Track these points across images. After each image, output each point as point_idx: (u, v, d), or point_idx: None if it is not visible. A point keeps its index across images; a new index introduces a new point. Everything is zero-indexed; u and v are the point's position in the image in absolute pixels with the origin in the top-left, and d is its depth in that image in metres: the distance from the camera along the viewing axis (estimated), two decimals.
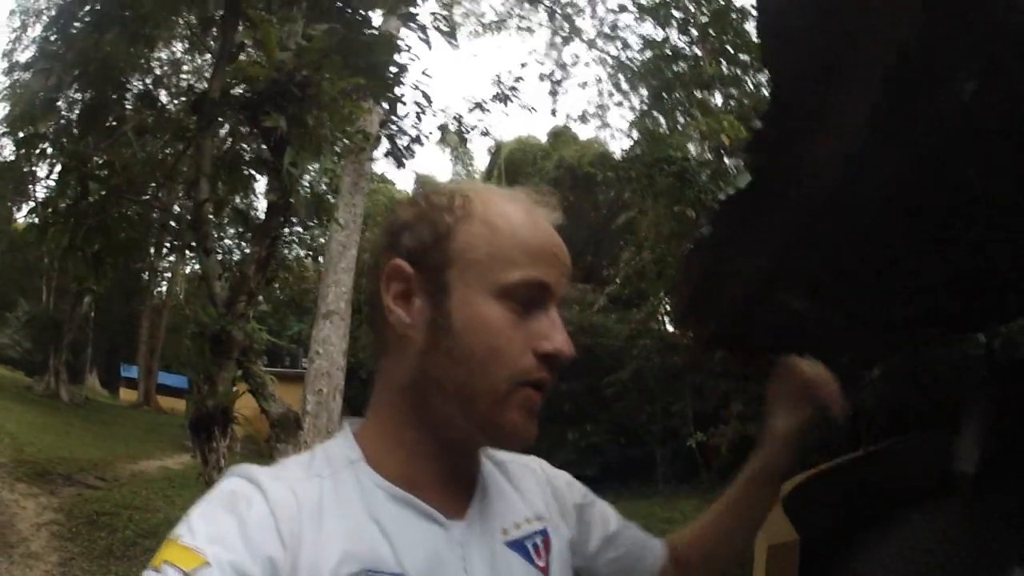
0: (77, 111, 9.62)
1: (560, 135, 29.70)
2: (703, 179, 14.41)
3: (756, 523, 1.78)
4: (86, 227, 8.64)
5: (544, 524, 1.41)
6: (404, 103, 10.15)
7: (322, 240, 20.56)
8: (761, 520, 1.78)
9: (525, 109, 33.85)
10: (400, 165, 17.71)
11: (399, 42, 9.20)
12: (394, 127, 13.68)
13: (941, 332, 10.09)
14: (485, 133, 19.08)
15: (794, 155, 4.36)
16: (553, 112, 51.16)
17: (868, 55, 3.38)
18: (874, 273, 6.45)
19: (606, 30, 20.49)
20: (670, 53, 18.08)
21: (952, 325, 9.48)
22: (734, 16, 16.48)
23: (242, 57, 8.51)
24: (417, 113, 15.01)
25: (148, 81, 11.10)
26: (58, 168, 9.51)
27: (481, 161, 40.87)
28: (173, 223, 10.10)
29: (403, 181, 51.94)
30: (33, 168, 13.08)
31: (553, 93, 22.89)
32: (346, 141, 9.98)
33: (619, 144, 21.11)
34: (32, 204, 13.90)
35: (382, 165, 25.52)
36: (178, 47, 16.94)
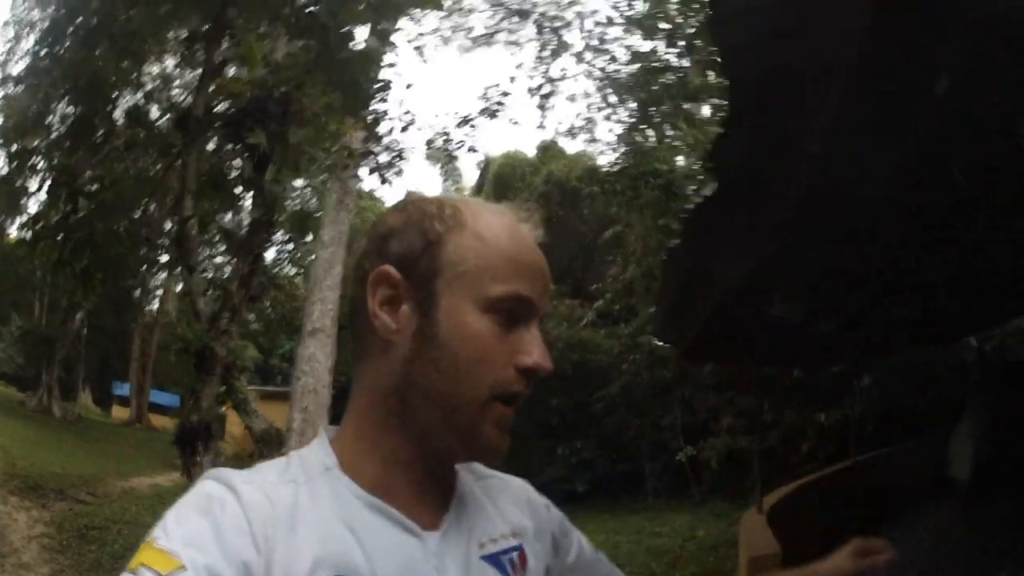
0: (66, 126, 9.67)
1: (549, 149, 29.63)
2: (689, 192, 14.42)
3: None
4: (74, 242, 8.69)
5: (520, 541, 1.39)
6: (388, 118, 10.19)
7: (313, 257, 20.60)
8: None
9: (511, 123, 33.91)
10: (384, 181, 17.73)
11: (383, 57, 9.27)
12: (377, 144, 13.67)
13: (934, 336, 10.12)
14: (472, 149, 19.08)
15: (758, 161, 4.39)
16: (541, 126, 50.95)
17: (825, 58, 3.40)
18: (865, 277, 6.50)
19: (594, 43, 20.51)
20: (657, 65, 18.09)
21: (945, 329, 9.52)
22: None
23: (231, 73, 8.58)
24: (402, 128, 15.03)
25: (139, 96, 11.15)
26: (48, 183, 9.55)
27: (470, 176, 40.84)
28: (160, 240, 10.14)
29: (392, 198, 51.55)
30: (26, 183, 13.10)
31: (541, 107, 22.72)
32: (329, 158, 10.02)
33: (607, 158, 21.04)
34: (24, 219, 13.96)
35: (372, 183, 25.58)
36: (169, 62, 16.98)
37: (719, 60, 5.05)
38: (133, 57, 9.61)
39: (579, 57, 21.11)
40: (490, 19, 22.20)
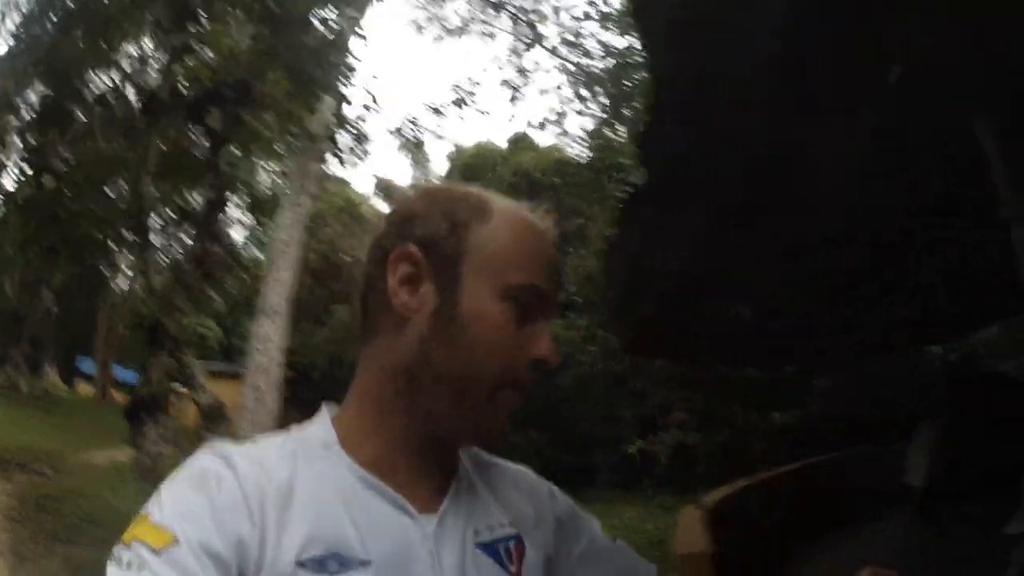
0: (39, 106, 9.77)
1: (519, 142, 29.63)
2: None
3: None
4: (38, 219, 8.81)
5: (518, 530, 1.39)
6: (350, 103, 10.29)
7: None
8: None
9: (481, 114, 33.78)
10: (342, 163, 17.78)
11: (346, 44, 9.39)
12: (339, 128, 13.70)
13: (897, 342, 10.13)
14: (440, 137, 19.10)
15: (690, 155, 4.42)
16: (511, 118, 50.52)
17: (750, 48, 3.41)
18: (819, 277, 6.45)
19: (569, 37, 20.58)
20: (631, 61, 18.16)
21: (908, 335, 9.51)
22: None
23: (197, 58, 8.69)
24: (364, 113, 15.04)
25: (116, 77, 11.22)
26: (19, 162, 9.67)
27: (440, 166, 40.74)
28: (121, 218, 10.24)
29: (360, 185, 51.25)
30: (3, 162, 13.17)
31: (513, 99, 22.69)
32: (291, 141, 10.12)
33: (577, 152, 20.96)
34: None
35: (340, 169, 25.40)
36: (148, 44, 17.04)
37: (644, 49, 5.04)
38: (108, 40, 9.68)
39: (553, 51, 21.15)
40: (467, 9, 22.21)
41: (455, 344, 1.26)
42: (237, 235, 19.21)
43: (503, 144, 31.17)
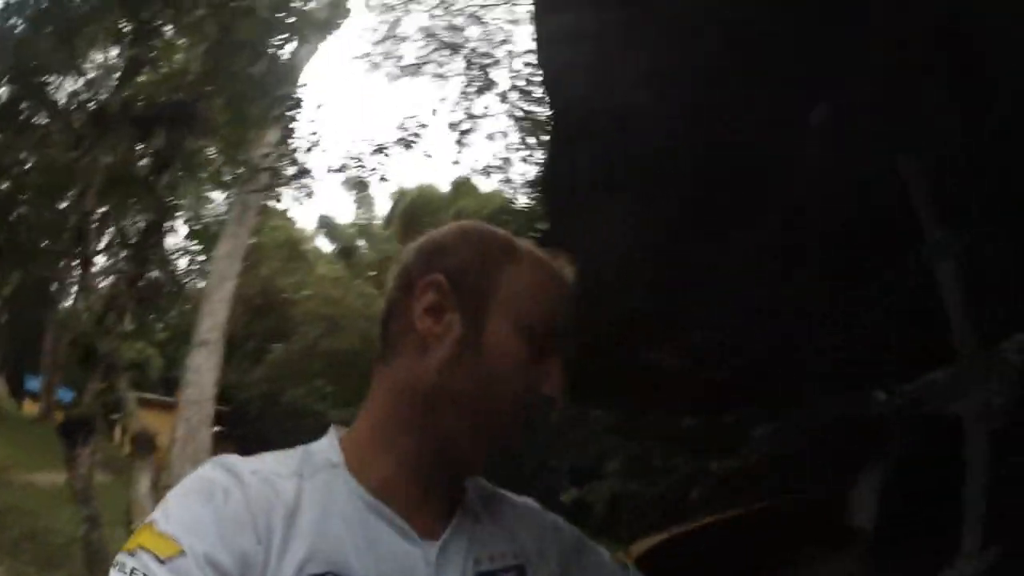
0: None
1: (462, 186, 29.83)
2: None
3: None
4: None
5: (521, 561, 1.39)
6: (295, 137, 10.22)
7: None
8: None
9: (426, 156, 33.60)
10: (277, 199, 17.63)
11: (293, 76, 9.37)
12: (281, 161, 13.58)
13: (840, 386, 10.15)
14: (384, 179, 18.90)
15: (590, 194, 4.40)
16: (457, 162, 50.41)
17: (660, 91, 3.44)
18: (752, 323, 6.40)
19: (520, 83, 20.61)
20: None
21: (855, 378, 9.53)
22: None
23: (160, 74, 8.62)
24: (307, 149, 14.99)
25: (79, 83, 11.12)
26: None
27: (383, 206, 40.87)
28: (65, 233, 10.14)
29: (304, 220, 51.07)
30: None
31: (459, 143, 22.63)
32: (233, 170, 10.04)
33: (521, 198, 20.92)
34: None
35: (286, 203, 25.14)
36: (113, 52, 16.89)
37: (543, 85, 4.97)
38: (75, 45, 9.61)
39: (503, 96, 21.19)
40: (421, 49, 22.18)
41: (475, 372, 1.29)
42: (183, 263, 18.98)
43: (447, 188, 31.36)
